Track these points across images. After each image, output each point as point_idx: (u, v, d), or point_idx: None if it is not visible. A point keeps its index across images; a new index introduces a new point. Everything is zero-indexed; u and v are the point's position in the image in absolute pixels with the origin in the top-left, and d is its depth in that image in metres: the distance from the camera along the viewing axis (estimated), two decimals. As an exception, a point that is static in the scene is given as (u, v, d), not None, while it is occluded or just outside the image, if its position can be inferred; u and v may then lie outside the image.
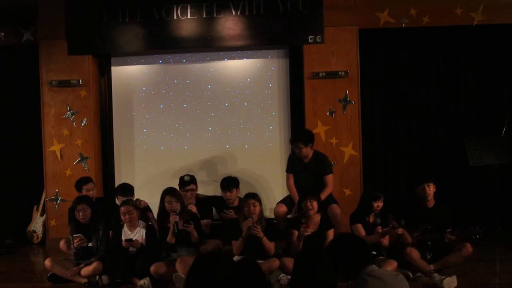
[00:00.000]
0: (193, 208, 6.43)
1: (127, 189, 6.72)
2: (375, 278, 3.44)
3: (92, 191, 6.78)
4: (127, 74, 8.08)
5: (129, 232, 6.04)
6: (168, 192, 6.19)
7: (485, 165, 7.37)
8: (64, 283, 5.92)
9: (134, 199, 6.64)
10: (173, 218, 5.93)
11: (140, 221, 6.09)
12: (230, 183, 6.81)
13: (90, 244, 6.04)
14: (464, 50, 7.71)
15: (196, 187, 6.87)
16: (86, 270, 5.86)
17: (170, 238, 5.90)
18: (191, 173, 6.97)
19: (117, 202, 6.80)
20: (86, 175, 7.31)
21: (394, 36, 7.65)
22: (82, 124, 7.74)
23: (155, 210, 6.80)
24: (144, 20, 7.50)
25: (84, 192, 6.70)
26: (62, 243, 6.60)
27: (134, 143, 8.10)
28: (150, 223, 6.33)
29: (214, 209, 7.00)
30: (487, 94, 7.72)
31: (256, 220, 5.82)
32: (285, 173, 6.94)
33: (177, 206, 6.04)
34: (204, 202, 6.90)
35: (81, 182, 6.83)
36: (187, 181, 6.73)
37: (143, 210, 6.55)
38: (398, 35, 7.64)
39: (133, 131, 8.09)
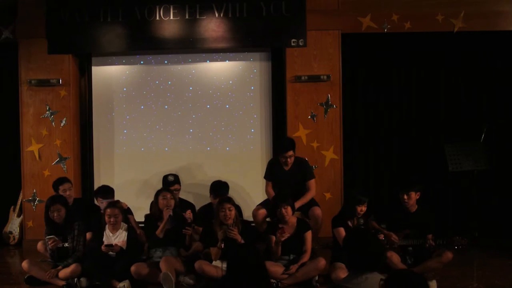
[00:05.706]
0: (190, 214, 6.38)
1: (108, 191, 6.63)
2: None
3: (68, 191, 6.67)
4: (108, 74, 8.00)
5: (111, 234, 5.98)
6: (164, 189, 6.34)
7: (464, 171, 7.45)
8: (42, 286, 5.85)
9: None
10: (167, 212, 5.96)
11: (122, 223, 6.03)
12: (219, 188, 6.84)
13: (66, 245, 5.97)
14: (445, 56, 7.78)
15: (180, 187, 6.87)
16: (64, 272, 5.78)
17: (159, 232, 5.92)
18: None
19: (97, 203, 6.72)
20: (64, 175, 7.21)
21: (376, 41, 7.69)
22: (61, 124, 7.65)
23: (135, 212, 6.77)
24: (126, 20, 7.44)
25: (60, 193, 6.60)
26: (40, 245, 6.49)
27: (114, 144, 8.02)
28: (130, 225, 6.28)
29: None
30: (467, 100, 7.81)
31: (232, 224, 5.81)
32: (266, 176, 6.93)
33: (171, 203, 6.09)
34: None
35: (57, 183, 6.75)
36: (172, 181, 6.70)
37: (124, 213, 6.48)
38: (380, 40, 7.68)
39: (113, 132, 8.01)
